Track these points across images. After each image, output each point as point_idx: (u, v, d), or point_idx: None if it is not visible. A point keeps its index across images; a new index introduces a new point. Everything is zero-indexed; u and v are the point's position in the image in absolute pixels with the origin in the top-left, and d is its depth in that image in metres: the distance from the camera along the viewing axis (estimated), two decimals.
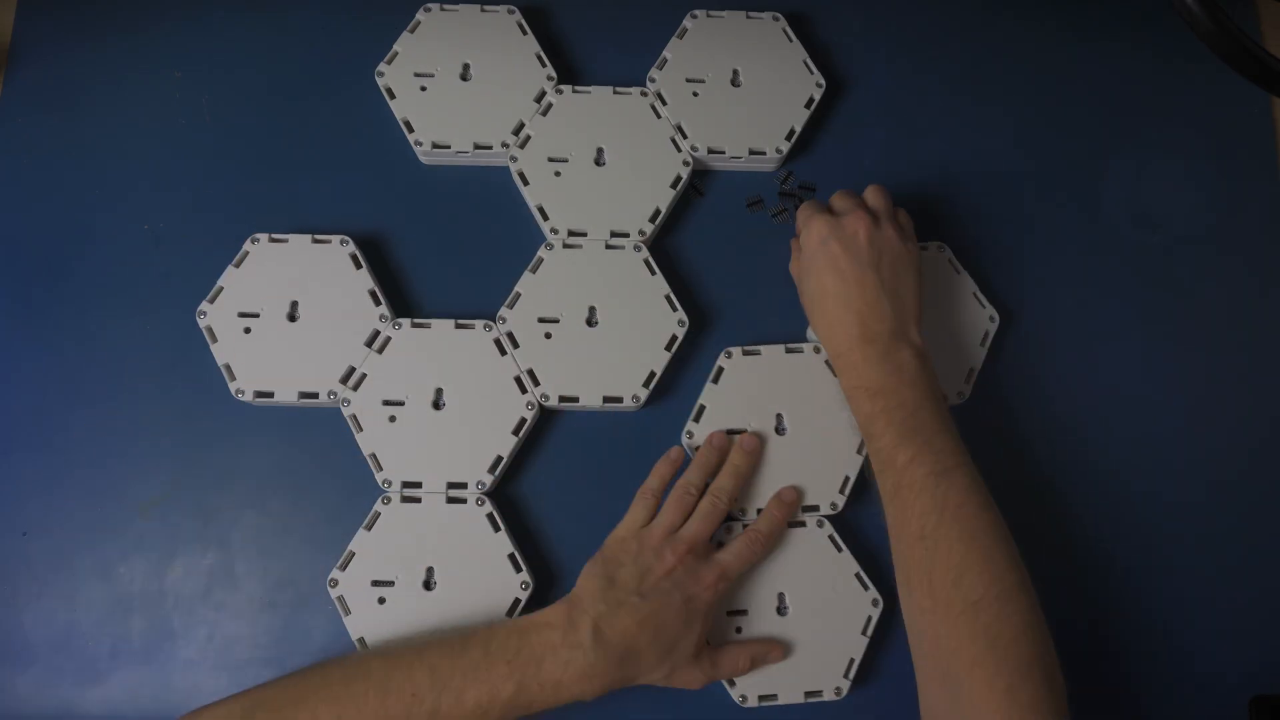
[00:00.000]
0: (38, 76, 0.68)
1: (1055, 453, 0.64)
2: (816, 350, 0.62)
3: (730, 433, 0.60)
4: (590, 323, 0.62)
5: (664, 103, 0.66)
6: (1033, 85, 0.71)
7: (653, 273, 0.63)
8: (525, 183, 0.64)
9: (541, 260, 0.63)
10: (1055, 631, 0.61)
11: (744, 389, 0.61)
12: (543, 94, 0.66)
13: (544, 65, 0.67)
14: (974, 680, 0.47)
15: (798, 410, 0.61)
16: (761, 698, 0.56)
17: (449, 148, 0.65)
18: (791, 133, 0.66)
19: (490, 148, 0.65)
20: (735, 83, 0.67)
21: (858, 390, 0.55)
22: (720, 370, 0.61)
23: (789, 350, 0.62)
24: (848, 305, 0.56)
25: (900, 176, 0.68)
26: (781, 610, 0.58)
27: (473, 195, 0.66)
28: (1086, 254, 0.68)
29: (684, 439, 0.60)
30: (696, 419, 0.61)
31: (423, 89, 0.66)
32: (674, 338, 0.62)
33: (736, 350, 0.62)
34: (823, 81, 0.67)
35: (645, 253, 0.63)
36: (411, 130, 0.65)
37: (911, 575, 0.51)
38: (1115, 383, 0.65)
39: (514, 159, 0.65)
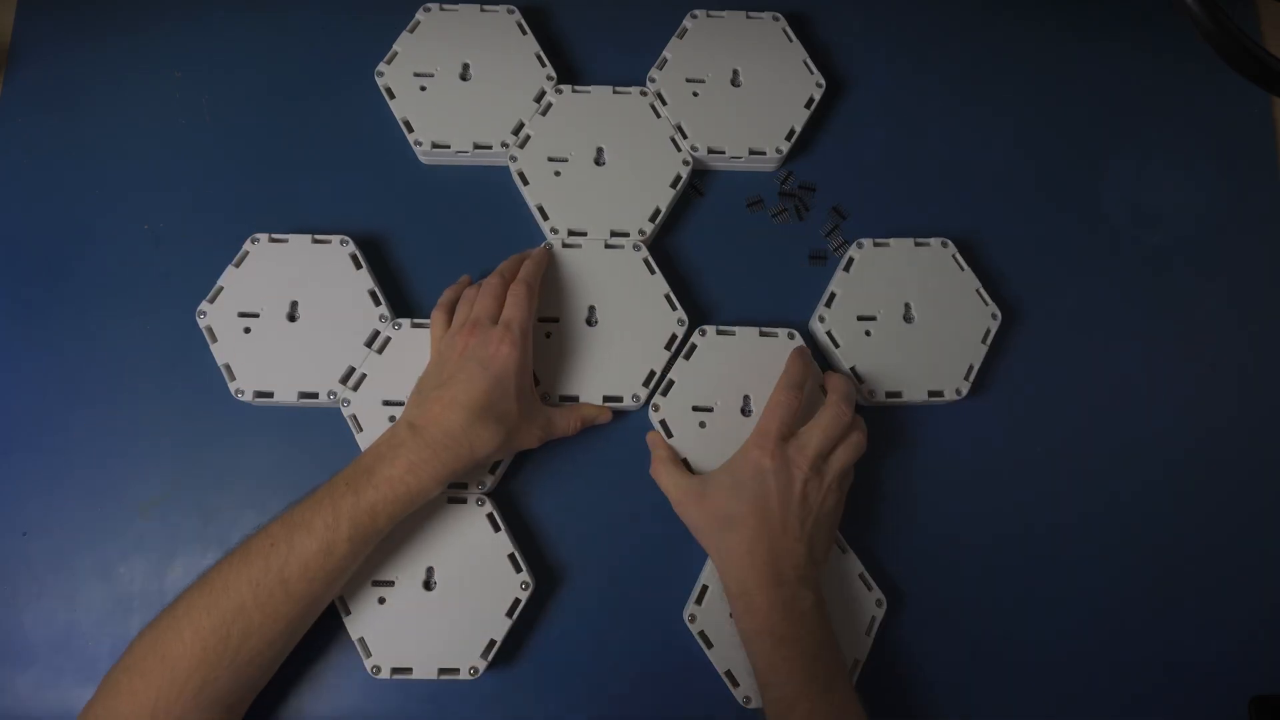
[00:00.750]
0: (38, 76, 0.68)
1: (1054, 451, 0.64)
2: (790, 336, 0.62)
3: (696, 408, 0.61)
4: (590, 322, 0.62)
5: (664, 103, 0.66)
6: (1033, 85, 0.71)
7: (652, 272, 0.63)
8: (525, 182, 0.64)
9: None
10: (1054, 631, 0.61)
11: (715, 368, 0.61)
12: (542, 94, 0.66)
13: (544, 65, 0.67)
14: None
15: (765, 394, 0.61)
16: (748, 702, 0.56)
17: (449, 147, 0.65)
18: (791, 133, 0.66)
19: (490, 147, 0.65)
20: (735, 83, 0.67)
21: (760, 635, 0.53)
22: (693, 348, 0.61)
23: (763, 334, 0.62)
24: (768, 545, 0.54)
25: (900, 176, 0.68)
26: None
27: (473, 195, 0.66)
28: (1086, 253, 0.68)
29: (650, 412, 0.61)
30: (665, 393, 0.61)
31: (422, 89, 0.66)
32: (674, 337, 0.62)
33: (711, 329, 0.62)
34: (823, 81, 0.67)
35: (645, 252, 0.63)
36: (411, 130, 0.65)
37: None
38: (1115, 381, 0.65)
39: (514, 158, 0.65)
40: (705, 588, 0.58)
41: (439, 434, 0.53)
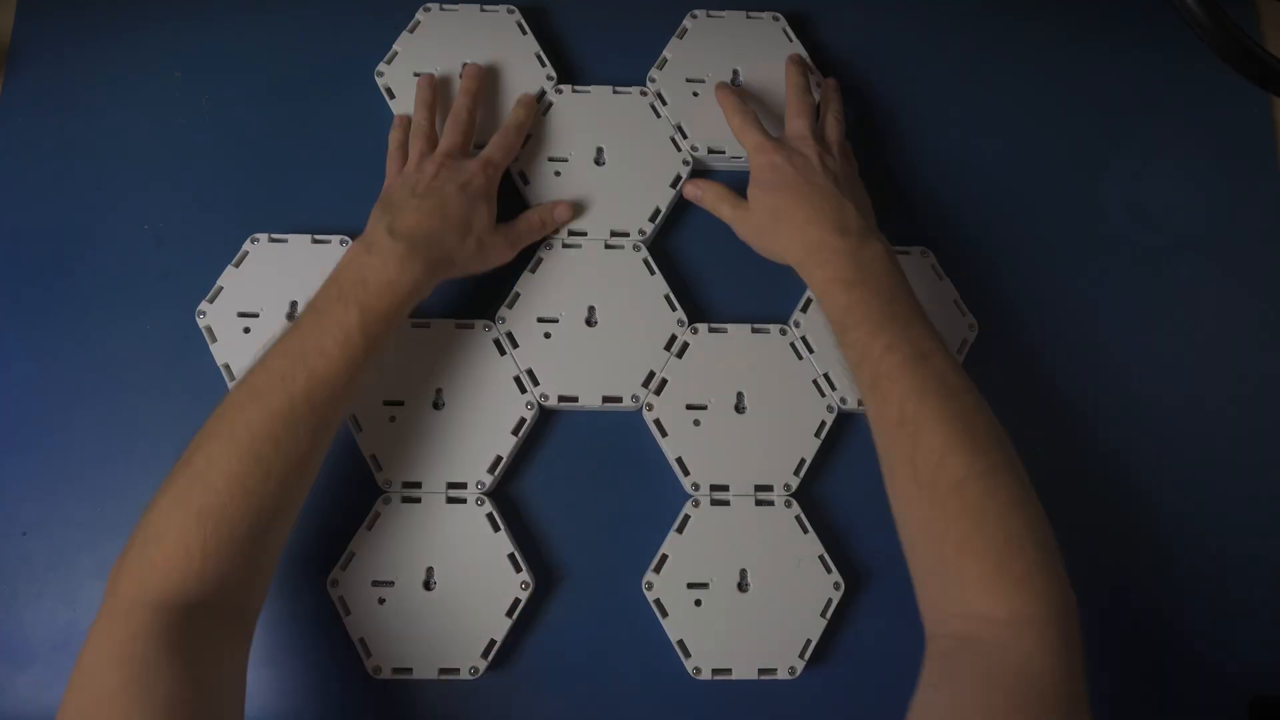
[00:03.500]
0: (38, 76, 0.68)
1: (1053, 451, 0.63)
2: (782, 332, 0.62)
3: (690, 406, 0.61)
4: (590, 322, 0.62)
5: (664, 103, 0.66)
6: (1032, 85, 0.71)
7: (652, 272, 0.63)
8: (525, 182, 0.64)
9: (541, 260, 0.63)
10: None
11: (707, 365, 0.61)
12: (543, 93, 0.66)
13: (544, 65, 0.67)
14: (963, 559, 0.47)
15: (759, 390, 0.61)
16: (715, 671, 0.56)
17: None
18: None
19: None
20: (735, 82, 0.67)
21: (833, 284, 0.54)
22: (685, 345, 0.62)
23: (755, 330, 0.62)
24: (818, 209, 0.56)
25: (898, 177, 0.68)
26: (743, 586, 0.58)
27: None
28: (1086, 254, 0.67)
29: (644, 412, 0.61)
30: (657, 392, 0.61)
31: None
32: (674, 337, 0.62)
33: (703, 326, 0.62)
34: (822, 81, 0.67)
35: (645, 252, 0.63)
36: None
37: (895, 464, 0.51)
38: (1114, 381, 0.65)
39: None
40: (665, 556, 0.58)
41: (424, 236, 0.55)
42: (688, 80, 0.67)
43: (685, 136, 0.66)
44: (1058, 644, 0.44)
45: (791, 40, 0.68)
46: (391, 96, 0.65)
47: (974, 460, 0.48)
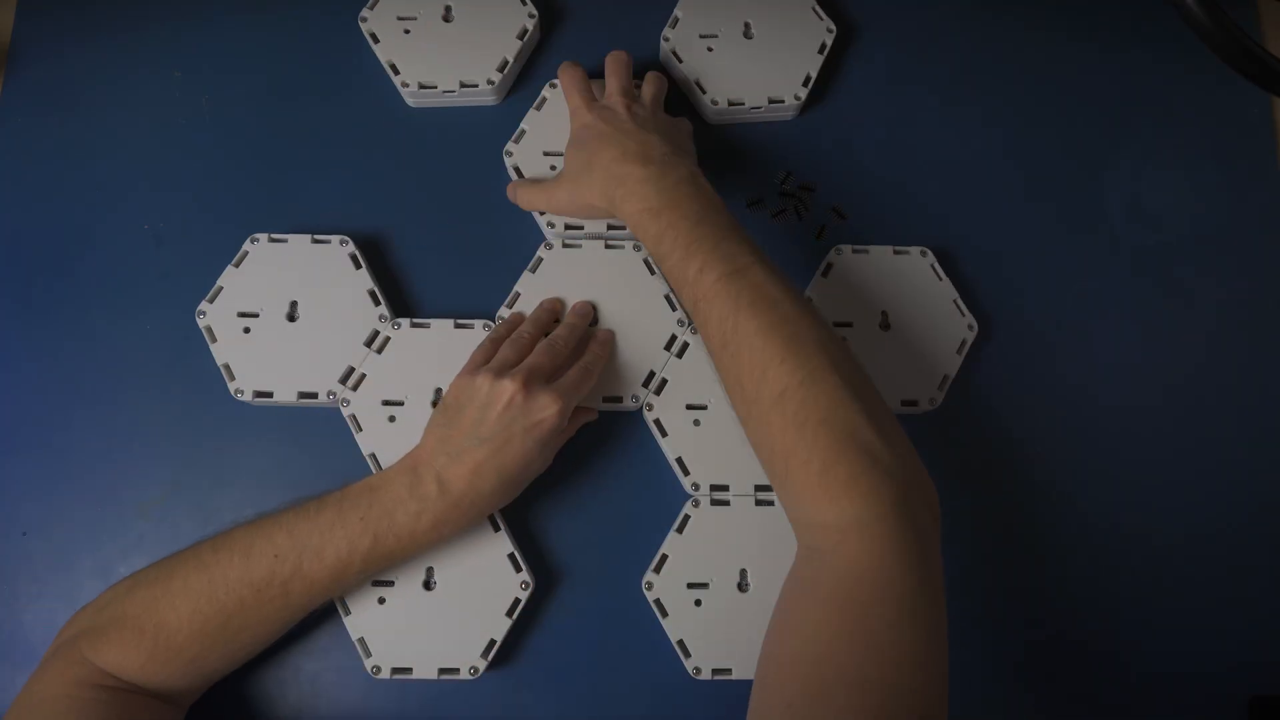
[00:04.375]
0: (38, 76, 0.68)
1: (1051, 452, 0.63)
2: None
3: (690, 406, 0.61)
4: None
5: (679, 60, 0.67)
6: (1032, 85, 0.71)
7: (652, 272, 0.63)
8: (520, 176, 0.65)
9: (541, 260, 0.63)
10: (1052, 633, 0.62)
11: (707, 365, 0.61)
12: (525, 31, 0.67)
13: (524, 4, 0.67)
14: (791, 471, 0.47)
15: None
16: (715, 671, 0.56)
17: (435, 88, 0.65)
18: (808, 79, 0.67)
19: (476, 85, 0.65)
20: (748, 35, 0.68)
21: (641, 214, 0.55)
22: (685, 345, 0.62)
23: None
24: (622, 146, 0.57)
25: (896, 177, 0.68)
26: (743, 587, 0.58)
27: (471, 195, 0.66)
28: (1085, 255, 0.67)
29: (644, 412, 0.61)
30: (657, 392, 0.61)
31: (406, 32, 0.66)
32: (674, 337, 0.62)
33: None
34: (833, 26, 0.68)
35: (645, 252, 0.63)
36: (397, 73, 0.65)
37: (728, 386, 0.52)
38: (1114, 381, 0.65)
39: (509, 154, 0.65)
40: (665, 556, 0.58)
41: (470, 499, 0.52)
42: (701, 36, 0.68)
43: (704, 92, 0.66)
44: (887, 542, 0.44)
45: None
46: (375, 41, 0.66)
47: (794, 370, 0.48)
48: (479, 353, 0.58)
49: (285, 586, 0.51)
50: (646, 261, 0.63)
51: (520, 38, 0.67)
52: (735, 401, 0.52)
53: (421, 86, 0.66)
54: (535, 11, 0.67)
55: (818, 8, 0.69)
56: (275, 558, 0.51)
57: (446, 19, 0.67)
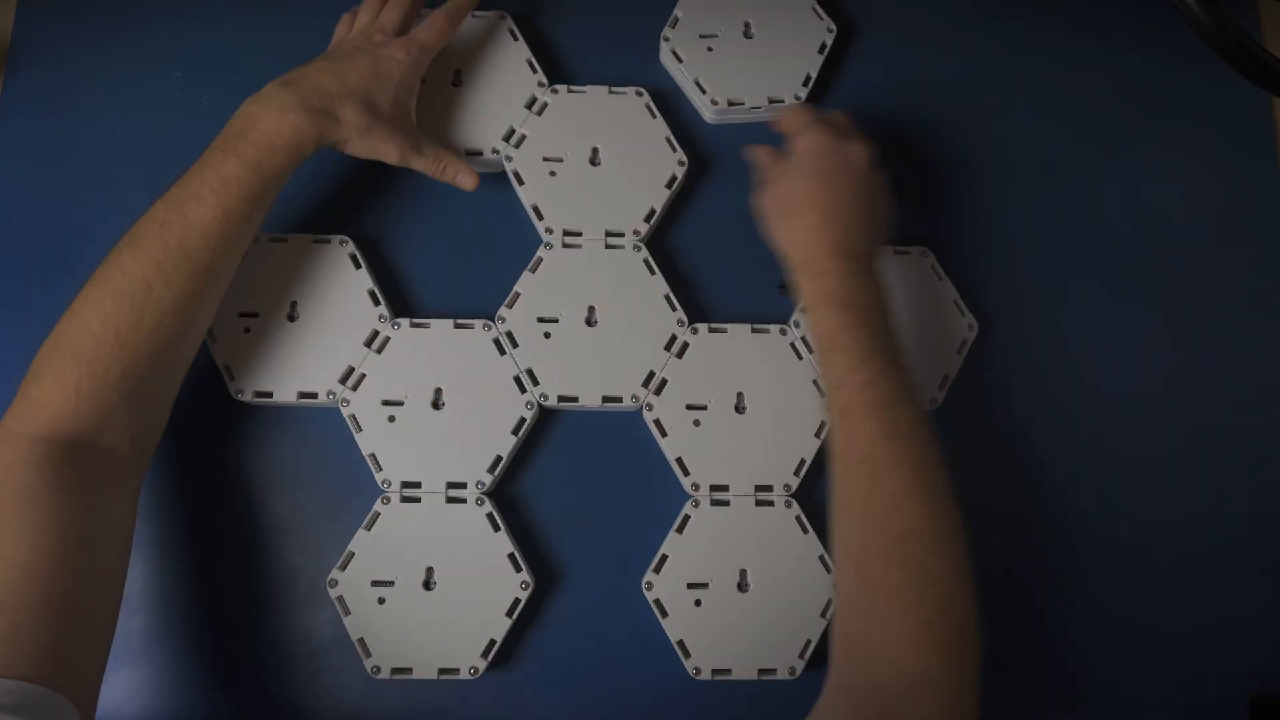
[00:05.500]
0: (38, 76, 0.68)
1: (1050, 453, 0.64)
2: (782, 332, 0.62)
3: (690, 406, 0.61)
4: (589, 322, 0.62)
5: (680, 60, 0.67)
6: (1032, 85, 0.71)
7: (652, 272, 0.63)
8: (520, 182, 0.64)
9: (541, 260, 0.63)
10: (1053, 634, 0.62)
11: (707, 365, 0.61)
12: (534, 99, 0.66)
13: (535, 71, 0.67)
14: (893, 609, 0.47)
15: (759, 391, 0.61)
16: (715, 671, 0.56)
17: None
18: (808, 79, 0.67)
19: (480, 154, 0.65)
20: (748, 35, 0.68)
21: (826, 300, 0.53)
22: (685, 346, 0.62)
23: (755, 330, 0.62)
24: (830, 216, 0.55)
25: (896, 177, 0.68)
26: (743, 587, 0.58)
27: (472, 195, 0.66)
28: (1086, 254, 0.67)
29: (644, 412, 0.61)
30: (657, 392, 0.61)
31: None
32: (674, 337, 0.62)
33: (703, 326, 0.62)
34: (833, 26, 0.68)
35: (645, 252, 0.63)
36: None
37: (851, 498, 0.51)
38: (1114, 381, 0.65)
39: (509, 158, 0.65)
40: (665, 556, 0.58)
41: (308, 87, 0.55)
42: (701, 36, 0.67)
43: (704, 91, 0.66)
44: (956, 709, 0.45)
45: None
46: None
47: (929, 514, 0.48)
48: (340, 27, 0.63)
49: (182, 247, 0.50)
50: (646, 262, 0.63)
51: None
52: (851, 516, 0.50)
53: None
54: (545, 79, 0.67)
55: (818, 7, 0.69)
56: (160, 226, 0.51)
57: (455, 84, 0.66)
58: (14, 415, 0.48)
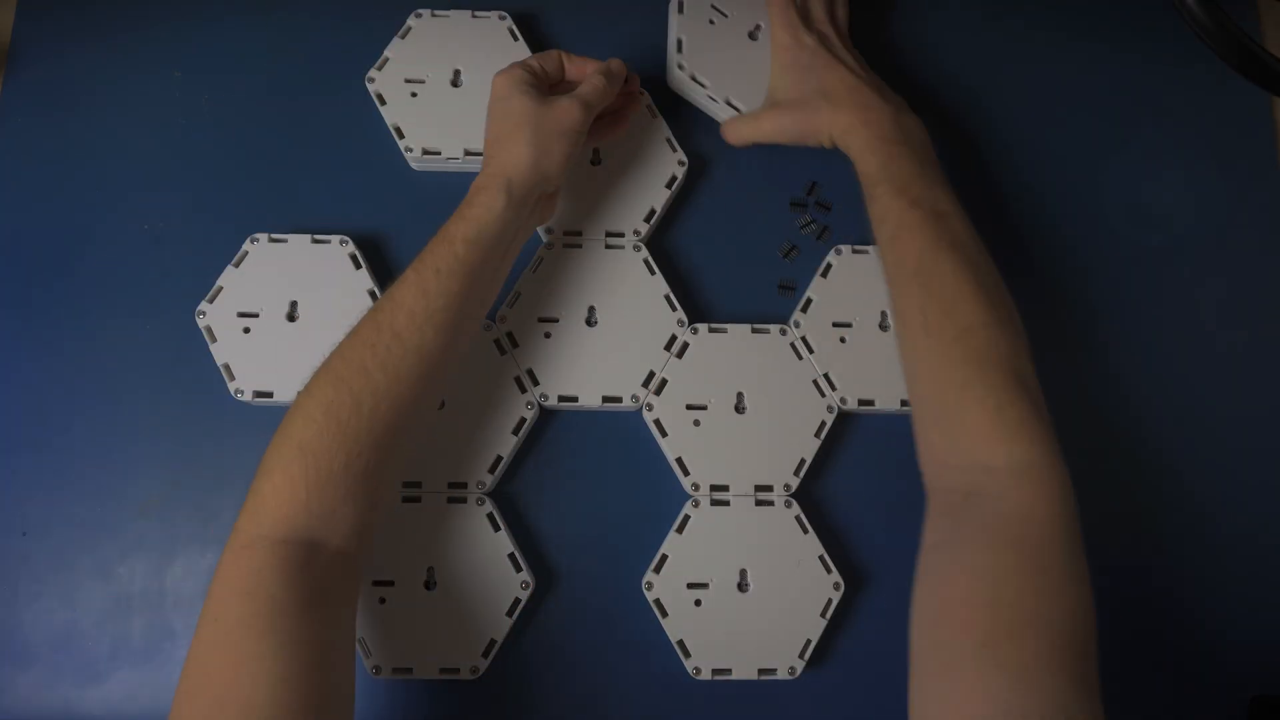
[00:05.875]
0: (38, 76, 0.68)
1: None
2: (782, 332, 0.62)
3: (690, 406, 0.61)
4: (590, 322, 0.62)
5: (680, 51, 0.66)
6: (1032, 85, 0.71)
7: (652, 272, 0.63)
8: None
9: (541, 260, 0.63)
10: None
11: (707, 365, 0.61)
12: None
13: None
14: (964, 403, 0.48)
15: (759, 391, 0.61)
16: (715, 671, 0.56)
17: (439, 154, 0.64)
18: None
19: (481, 155, 0.65)
20: (753, 38, 0.67)
21: (877, 140, 0.57)
22: (685, 345, 0.62)
23: (755, 330, 0.62)
24: (854, 76, 0.60)
25: None
26: (743, 587, 0.58)
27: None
28: (1086, 254, 0.67)
29: (644, 412, 0.61)
30: (657, 392, 0.61)
31: (413, 95, 0.65)
32: (674, 337, 0.62)
33: (703, 326, 0.62)
34: None
35: (645, 252, 0.63)
36: (402, 136, 0.65)
37: (907, 313, 0.53)
38: (1114, 380, 0.65)
39: None
40: (665, 556, 0.58)
41: (494, 137, 0.56)
42: (710, 20, 0.67)
43: (707, 89, 0.66)
44: (1058, 490, 0.46)
45: None
46: (382, 103, 0.65)
47: (982, 311, 0.50)
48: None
49: (391, 327, 0.50)
50: (646, 262, 0.63)
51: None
52: (910, 331, 0.53)
53: (426, 152, 0.65)
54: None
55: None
56: (373, 312, 0.51)
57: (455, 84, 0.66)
58: (249, 514, 0.47)
